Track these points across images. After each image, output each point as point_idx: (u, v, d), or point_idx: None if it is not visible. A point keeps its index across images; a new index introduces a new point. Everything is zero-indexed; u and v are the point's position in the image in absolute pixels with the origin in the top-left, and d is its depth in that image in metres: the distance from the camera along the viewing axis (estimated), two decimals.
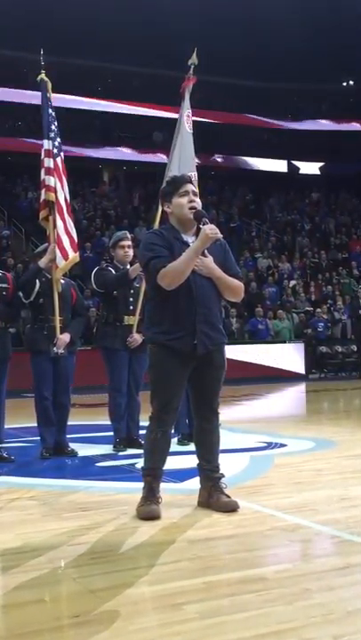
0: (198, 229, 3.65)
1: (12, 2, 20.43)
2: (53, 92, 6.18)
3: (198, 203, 3.74)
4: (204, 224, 3.60)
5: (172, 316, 3.64)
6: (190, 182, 3.79)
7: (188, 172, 5.58)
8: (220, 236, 3.60)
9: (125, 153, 25.26)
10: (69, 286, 5.82)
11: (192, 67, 6.15)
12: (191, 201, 3.70)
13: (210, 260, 3.69)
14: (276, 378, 13.98)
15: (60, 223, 5.81)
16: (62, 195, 5.92)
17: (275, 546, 3.08)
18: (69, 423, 5.77)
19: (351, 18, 22.97)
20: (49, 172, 5.90)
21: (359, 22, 23.04)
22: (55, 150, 5.97)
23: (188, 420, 5.71)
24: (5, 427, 5.75)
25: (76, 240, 5.94)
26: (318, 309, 16.40)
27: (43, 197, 5.93)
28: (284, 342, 15.20)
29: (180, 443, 5.80)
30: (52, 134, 5.99)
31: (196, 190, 3.79)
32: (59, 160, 5.97)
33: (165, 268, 3.57)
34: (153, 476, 3.70)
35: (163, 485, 3.78)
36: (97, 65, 25.14)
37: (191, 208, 3.69)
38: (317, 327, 15.76)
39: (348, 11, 22.71)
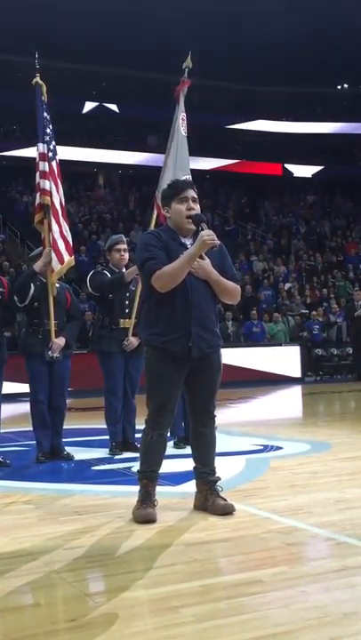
0: (196, 233, 3.65)
1: (6, 5, 20.46)
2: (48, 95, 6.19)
3: (197, 209, 3.72)
4: (201, 229, 3.58)
5: (167, 318, 3.63)
6: (192, 188, 3.75)
7: (184, 175, 5.59)
8: (217, 242, 3.56)
9: (120, 156, 25.26)
10: (64, 290, 5.81)
11: (186, 70, 6.16)
12: (190, 209, 3.68)
13: (207, 262, 3.68)
14: (272, 381, 13.97)
15: (55, 227, 5.81)
16: (57, 198, 5.92)
17: (271, 548, 3.07)
18: (65, 427, 5.77)
19: (346, 21, 23.07)
20: (44, 175, 5.90)
21: (353, 26, 23.15)
22: (50, 154, 5.97)
23: (184, 423, 5.70)
24: (1, 431, 5.75)
25: (71, 244, 5.94)
26: (314, 312, 16.42)
27: (38, 201, 5.94)
28: (280, 345, 15.20)
29: (176, 446, 5.79)
30: (47, 137, 6.00)
31: (196, 197, 3.75)
32: (54, 163, 5.97)
33: (160, 271, 3.56)
34: (149, 479, 3.69)
35: (159, 488, 3.77)
36: (91, 69, 25.21)
37: (188, 217, 3.68)
38: (313, 330, 15.77)
39: (343, 14, 22.80)
